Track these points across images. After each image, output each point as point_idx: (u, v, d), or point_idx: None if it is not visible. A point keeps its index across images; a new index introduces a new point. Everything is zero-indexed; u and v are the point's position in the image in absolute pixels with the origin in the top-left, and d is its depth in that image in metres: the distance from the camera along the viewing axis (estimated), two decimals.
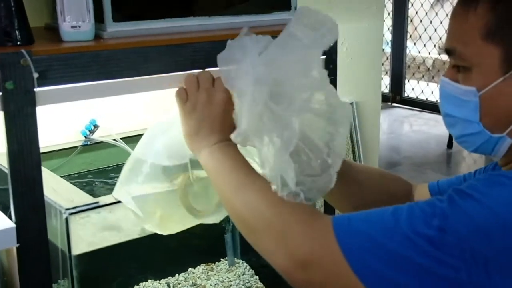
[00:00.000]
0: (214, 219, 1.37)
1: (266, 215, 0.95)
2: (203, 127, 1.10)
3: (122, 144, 1.68)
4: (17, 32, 1.08)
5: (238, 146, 1.11)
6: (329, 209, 1.59)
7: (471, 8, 0.95)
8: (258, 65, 1.03)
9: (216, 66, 1.24)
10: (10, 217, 1.07)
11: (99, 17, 1.20)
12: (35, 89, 1.03)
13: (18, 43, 1.08)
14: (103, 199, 1.25)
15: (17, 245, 1.07)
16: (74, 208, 1.19)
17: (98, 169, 1.70)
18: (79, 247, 1.25)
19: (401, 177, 1.32)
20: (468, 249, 0.82)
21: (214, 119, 1.10)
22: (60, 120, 1.69)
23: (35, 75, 1.02)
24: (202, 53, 1.23)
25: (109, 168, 1.70)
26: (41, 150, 1.59)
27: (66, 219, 1.18)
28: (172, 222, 1.30)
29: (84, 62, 1.10)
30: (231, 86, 1.08)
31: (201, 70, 1.17)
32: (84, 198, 1.25)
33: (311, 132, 1.03)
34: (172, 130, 1.20)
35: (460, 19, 0.97)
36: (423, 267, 0.83)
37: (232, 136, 1.05)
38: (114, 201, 1.25)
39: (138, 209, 1.21)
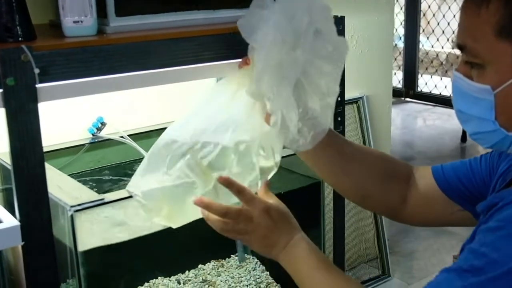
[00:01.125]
0: None
1: None
2: (267, 242, 1.12)
3: (129, 141, 1.67)
4: (18, 28, 1.07)
5: None
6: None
7: (483, 3, 0.91)
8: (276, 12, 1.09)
9: (221, 59, 1.23)
10: (14, 215, 1.06)
11: (102, 12, 1.19)
12: (36, 85, 1.02)
13: (20, 39, 1.07)
14: (109, 196, 1.24)
15: (22, 243, 1.06)
16: (79, 205, 1.18)
17: (105, 166, 1.69)
18: (87, 244, 1.24)
19: (401, 160, 1.33)
20: None
21: (270, 231, 1.12)
22: (67, 118, 1.69)
23: (36, 71, 1.01)
24: (206, 47, 1.21)
25: (117, 165, 1.69)
26: (48, 149, 1.60)
27: (71, 216, 1.17)
28: (181, 215, 1.28)
29: (86, 57, 1.09)
30: (253, 40, 1.10)
31: (222, 213, 1.12)
32: (89, 195, 1.24)
33: (312, 72, 1.09)
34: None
35: (471, 13, 0.93)
36: None
37: (248, 91, 1.10)
38: (119, 197, 1.24)
39: (147, 202, 1.18)
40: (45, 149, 1.06)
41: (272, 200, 1.15)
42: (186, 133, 1.13)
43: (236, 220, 1.12)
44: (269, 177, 1.20)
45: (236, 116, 1.15)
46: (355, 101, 2.34)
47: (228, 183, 1.11)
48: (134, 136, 1.68)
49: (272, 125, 1.10)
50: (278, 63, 1.08)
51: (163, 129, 1.18)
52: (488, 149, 1.09)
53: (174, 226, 1.22)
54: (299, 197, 1.62)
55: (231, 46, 1.25)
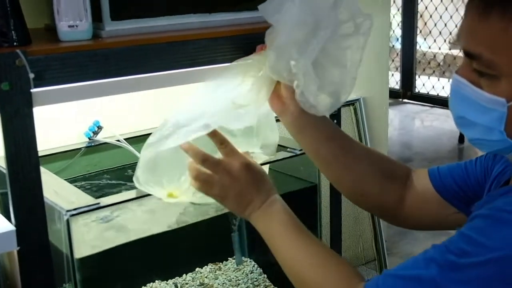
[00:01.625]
0: None
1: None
2: (242, 200, 1.12)
3: (126, 145, 1.66)
4: (13, 32, 1.06)
5: None
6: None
7: (506, 11, 0.87)
8: None
9: (216, 63, 1.23)
10: (9, 220, 1.06)
11: (97, 16, 1.19)
12: (31, 90, 1.02)
13: (15, 43, 1.07)
14: (105, 200, 1.24)
15: (18, 248, 1.06)
16: (75, 209, 1.18)
17: (102, 170, 1.69)
18: (82, 249, 1.24)
19: (400, 162, 1.33)
20: None
21: (246, 188, 1.12)
22: (63, 122, 1.68)
23: (31, 75, 1.01)
24: (203, 50, 1.21)
25: (113, 169, 1.69)
26: (45, 153, 1.60)
27: (67, 220, 1.17)
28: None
29: (82, 62, 1.09)
30: (275, 20, 1.11)
31: (201, 159, 1.12)
32: (85, 199, 1.24)
33: (333, 48, 1.11)
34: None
35: (484, 20, 0.89)
36: None
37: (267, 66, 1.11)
38: (116, 201, 1.24)
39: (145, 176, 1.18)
40: (41, 153, 1.06)
41: (252, 160, 1.15)
42: (186, 116, 1.13)
43: (213, 170, 1.11)
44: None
45: (241, 101, 1.15)
46: (351, 103, 2.34)
47: (212, 134, 1.12)
48: (131, 140, 1.67)
49: (295, 87, 1.10)
50: (299, 40, 1.09)
51: None
52: None
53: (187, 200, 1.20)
54: (296, 200, 1.62)
55: (227, 50, 1.25)
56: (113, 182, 1.63)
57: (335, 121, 1.55)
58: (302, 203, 1.66)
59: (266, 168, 1.47)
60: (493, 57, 0.89)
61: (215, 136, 1.13)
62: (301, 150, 1.37)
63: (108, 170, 1.69)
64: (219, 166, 1.12)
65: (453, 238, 0.89)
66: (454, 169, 1.20)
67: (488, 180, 1.13)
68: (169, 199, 1.21)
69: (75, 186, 1.45)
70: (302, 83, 1.09)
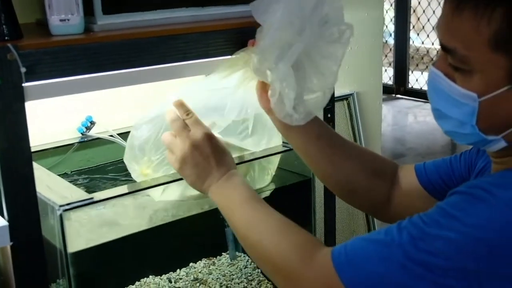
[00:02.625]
0: None
1: (270, 256, 1.01)
2: (201, 171, 1.13)
3: (119, 140, 1.66)
4: (4, 27, 1.06)
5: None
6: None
7: (485, 14, 0.88)
8: None
9: (208, 57, 1.23)
10: (2, 215, 1.06)
11: (89, 10, 1.18)
12: (23, 84, 1.02)
13: (6, 38, 1.06)
14: (98, 195, 1.24)
15: (11, 243, 1.05)
16: (68, 204, 1.17)
17: (95, 166, 1.69)
18: (76, 244, 1.23)
19: (387, 158, 1.34)
20: (458, 268, 0.84)
21: (206, 159, 1.13)
22: (56, 118, 1.68)
23: (23, 69, 1.00)
24: (195, 44, 1.21)
25: (106, 164, 1.69)
26: (37, 148, 1.59)
27: (60, 215, 1.16)
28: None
29: (73, 56, 1.08)
30: (262, 20, 1.12)
31: (170, 119, 1.18)
32: (78, 194, 1.23)
33: (314, 54, 1.12)
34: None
35: (458, 16, 0.90)
36: None
37: (255, 50, 1.12)
38: (109, 196, 1.24)
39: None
40: (34, 149, 1.06)
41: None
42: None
43: (178, 133, 1.14)
44: None
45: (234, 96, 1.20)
46: (345, 97, 2.34)
47: (178, 104, 1.15)
48: (124, 135, 1.67)
49: (270, 95, 1.12)
50: (282, 43, 1.10)
51: None
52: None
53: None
54: (290, 194, 1.62)
55: (219, 44, 1.24)
56: (107, 176, 1.63)
57: (328, 115, 1.55)
58: (296, 197, 1.66)
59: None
60: (466, 53, 0.90)
61: (181, 106, 1.16)
62: None
63: (101, 165, 1.69)
64: (183, 131, 1.14)
65: (429, 211, 0.90)
66: (440, 165, 1.21)
67: (472, 175, 1.13)
68: (142, 177, 1.30)
69: (68, 181, 1.45)
70: (278, 91, 1.10)
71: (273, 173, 1.55)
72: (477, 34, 0.88)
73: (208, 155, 1.13)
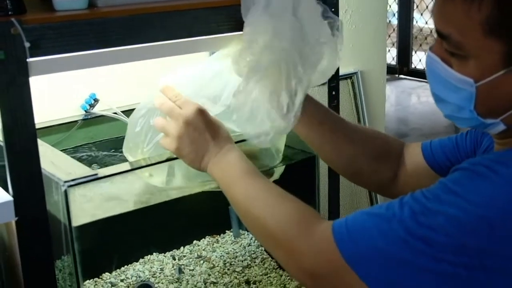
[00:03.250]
0: None
1: (271, 230, 1.01)
2: (198, 147, 1.13)
3: (123, 117, 1.66)
4: (7, 1, 1.05)
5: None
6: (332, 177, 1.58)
7: None
8: None
9: (215, 33, 1.22)
10: (7, 191, 1.06)
11: None
12: (27, 59, 1.01)
13: (10, 12, 1.05)
14: (103, 171, 1.24)
15: (16, 219, 1.05)
16: (73, 180, 1.17)
17: (100, 140, 1.69)
18: (81, 220, 1.24)
19: (394, 137, 1.33)
20: (459, 245, 0.84)
21: (202, 133, 1.12)
22: (59, 95, 1.67)
23: (27, 44, 1.00)
24: (201, 20, 1.20)
25: (110, 140, 1.69)
26: (41, 125, 1.59)
27: (65, 191, 1.16)
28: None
29: (78, 31, 1.07)
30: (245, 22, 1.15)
31: (157, 102, 1.18)
32: (83, 170, 1.23)
33: (289, 61, 1.10)
34: None
35: (460, 6, 0.89)
36: (423, 267, 0.86)
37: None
38: (113, 172, 1.24)
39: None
40: (38, 126, 1.05)
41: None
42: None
43: (170, 115, 1.15)
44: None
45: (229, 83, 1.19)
46: (349, 76, 2.33)
47: (166, 89, 1.17)
48: (128, 113, 1.66)
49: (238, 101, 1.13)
50: (257, 49, 1.10)
51: None
52: None
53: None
54: (295, 171, 1.62)
55: (225, 20, 1.23)
56: (111, 153, 1.62)
57: (333, 92, 1.54)
58: (300, 174, 1.66)
59: None
60: (460, 39, 0.90)
61: (169, 90, 1.16)
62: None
63: (105, 141, 1.69)
64: (174, 111, 1.13)
65: (432, 187, 0.90)
66: (445, 144, 1.21)
67: (477, 154, 1.13)
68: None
69: (72, 157, 1.45)
70: (249, 108, 1.11)
71: (282, 151, 1.54)
72: (469, 20, 0.88)
73: (203, 129, 1.12)
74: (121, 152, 1.34)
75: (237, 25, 1.21)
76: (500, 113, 0.92)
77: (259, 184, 1.07)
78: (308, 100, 1.19)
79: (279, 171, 1.55)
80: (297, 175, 1.63)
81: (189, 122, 1.12)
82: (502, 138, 0.97)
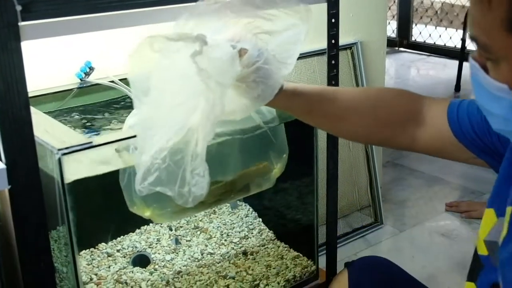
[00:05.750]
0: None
1: None
2: None
3: (119, 86, 1.63)
4: None
5: None
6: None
7: None
8: None
9: None
10: (0, 159, 1.04)
11: None
12: (19, 23, 0.98)
13: None
14: (97, 139, 1.21)
15: (9, 187, 1.03)
16: (66, 148, 1.15)
17: (94, 103, 1.67)
18: (76, 186, 1.22)
19: (403, 92, 1.22)
20: None
21: None
22: (54, 63, 1.65)
23: (18, 7, 0.97)
24: None
25: (105, 103, 1.67)
26: (36, 94, 1.56)
27: (59, 159, 1.14)
28: None
29: None
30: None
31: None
32: (77, 138, 1.21)
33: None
34: None
35: (480, 6, 0.81)
36: None
37: None
38: (108, 141, 1.22)
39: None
40: (31, 94, 1.03)
41: None
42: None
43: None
44: None
45: None
46: (349, 46, 2.30)
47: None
48: (124, 81, 1.64)
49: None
50: None
51: None
52: None
53: None
54: (293, 143, 1.60)
55: None
56: (105, 117, 1.60)
57: (333, 61, 1.52)
58: (299, 146, 1.64)
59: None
60: (486, 40, 0.82)
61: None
62: None
63: (99, 105, 1.66)
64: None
65: None
66: (472, 114, 1.10)
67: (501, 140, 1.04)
68: None
69: (65, 123, 1.43)
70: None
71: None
72: (490, 19, 0.80)
73: None
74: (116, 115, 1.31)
75: None
76: None
77: None
78: (286, 94, 1.11)
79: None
80: (295, 146, 1.61)
81: None
82: None
